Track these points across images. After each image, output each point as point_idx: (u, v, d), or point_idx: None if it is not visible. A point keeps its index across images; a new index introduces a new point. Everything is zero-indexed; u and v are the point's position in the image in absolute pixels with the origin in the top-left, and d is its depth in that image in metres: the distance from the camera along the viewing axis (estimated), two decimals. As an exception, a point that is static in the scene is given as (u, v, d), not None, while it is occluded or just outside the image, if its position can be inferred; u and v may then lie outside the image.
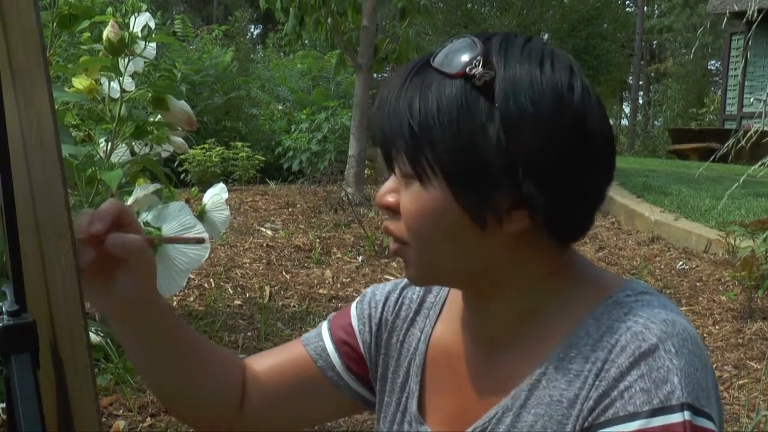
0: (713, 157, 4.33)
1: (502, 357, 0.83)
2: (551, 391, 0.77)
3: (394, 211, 0.80)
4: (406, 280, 0.97)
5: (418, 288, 0.96)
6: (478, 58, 0.74)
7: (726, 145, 3.34)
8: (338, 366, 0.96)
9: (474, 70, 0.73)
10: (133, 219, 0.80)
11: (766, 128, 3.37)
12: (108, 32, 2.01)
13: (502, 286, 0.81)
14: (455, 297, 0.92)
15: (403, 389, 0.92)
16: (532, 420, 0.78)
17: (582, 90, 0.76)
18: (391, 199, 0.80)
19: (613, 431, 0.71)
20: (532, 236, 0.78)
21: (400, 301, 0.97)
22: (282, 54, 13.56)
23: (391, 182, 0.81)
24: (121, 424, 2.22)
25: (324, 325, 1.00)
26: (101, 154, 2.15)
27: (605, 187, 0.80)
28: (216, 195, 2.51)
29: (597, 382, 0.74)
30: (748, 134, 3.22)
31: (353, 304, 1.00)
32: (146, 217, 2.05)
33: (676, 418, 0.70)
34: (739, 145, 3.28)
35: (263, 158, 8.96)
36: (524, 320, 0.82)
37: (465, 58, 0.74)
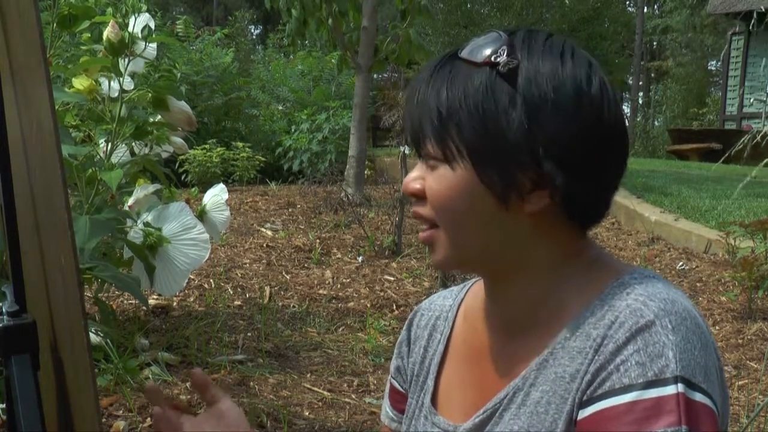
0: (725, 156, 4.28)
1: (517, 342, 0.87)
2: (556, 369, 0.81)
3: (420, 196, 0.86)
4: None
5: (437, 301, 1.03)
6: (503, 47, 0.81)
7: (741, 141, 3.33)
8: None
9: (499, 59, 0.80)
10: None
11: (766, 128, 3.36)
12: (108, 32, 2.02)
13: (521, 269, 0.85)
14: (473, 297, 0.98)
15: (422, 388, 0.99)
16: (538, 397, 0.82)
17: (600, 83, 0.82)
18: (417, 185, 0.86)
19: (608, 403, 0.74)
20: (552, 219, 0.83)
21: (419, 314, 1.04)
22: (282, 54, 13.53)
23: (416, 171, 0.87)
24: (121, 424, 2.21)
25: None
26: (101, 154, 2.15)
27: (619, 175, 0.85)
28: (216, 195, 2.52)
29: (596, 357, 0.77)
30: (765, 138, 3.20)
31: (389, 377, 1.08)
32: (147, 217, 2.05)
33: (669, 390, 0.71)
34: (754, 142, 3.27)
35: (263, 159, 8.96)
36: (539, 305, 0.85)
37: (490, 48, 0.81)
